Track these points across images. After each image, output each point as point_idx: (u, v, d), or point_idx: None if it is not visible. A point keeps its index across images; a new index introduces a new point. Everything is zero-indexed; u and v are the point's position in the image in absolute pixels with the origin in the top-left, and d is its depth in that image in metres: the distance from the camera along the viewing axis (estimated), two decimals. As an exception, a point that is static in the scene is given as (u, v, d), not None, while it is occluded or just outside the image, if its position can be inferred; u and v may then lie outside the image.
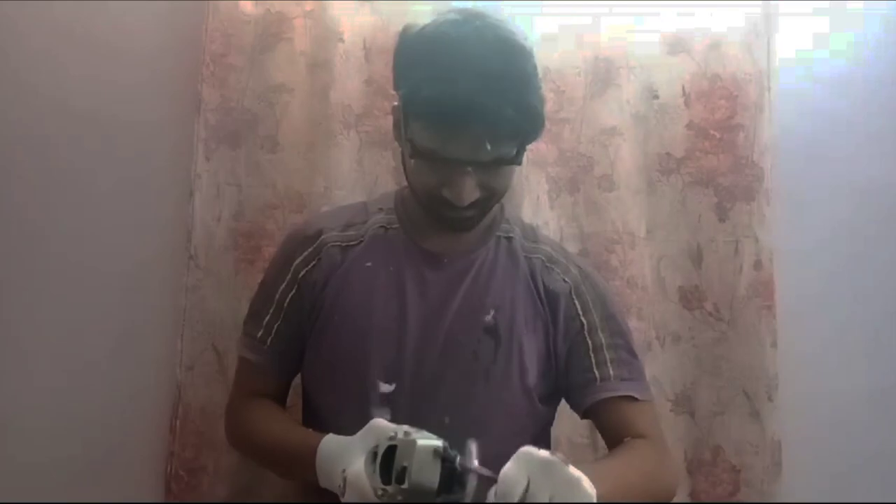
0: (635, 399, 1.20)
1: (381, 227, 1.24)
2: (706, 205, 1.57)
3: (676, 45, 1.58)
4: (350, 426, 1.05)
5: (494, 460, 0.94)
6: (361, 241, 1.23)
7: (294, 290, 1.22)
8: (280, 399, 1.28)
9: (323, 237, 1.23)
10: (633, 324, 1.49)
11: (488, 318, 1.19)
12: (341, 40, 1.53)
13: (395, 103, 1.16)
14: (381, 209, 1.27)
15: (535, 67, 1.11)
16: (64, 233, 1.54)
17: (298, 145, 1.54)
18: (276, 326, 1.24)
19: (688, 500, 1.55)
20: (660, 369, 1.55)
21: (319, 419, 1.20)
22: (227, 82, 1.52)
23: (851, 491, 1.57)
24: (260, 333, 1.24)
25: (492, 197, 1.14)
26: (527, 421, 1.21)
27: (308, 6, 1.54)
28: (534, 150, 1.52)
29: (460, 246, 1.22)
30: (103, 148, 1.55)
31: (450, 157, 1.08)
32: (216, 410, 1.46)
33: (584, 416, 1.24)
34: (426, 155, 1.09)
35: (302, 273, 1.22)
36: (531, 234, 1.29)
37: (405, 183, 1.24)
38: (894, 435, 1.62)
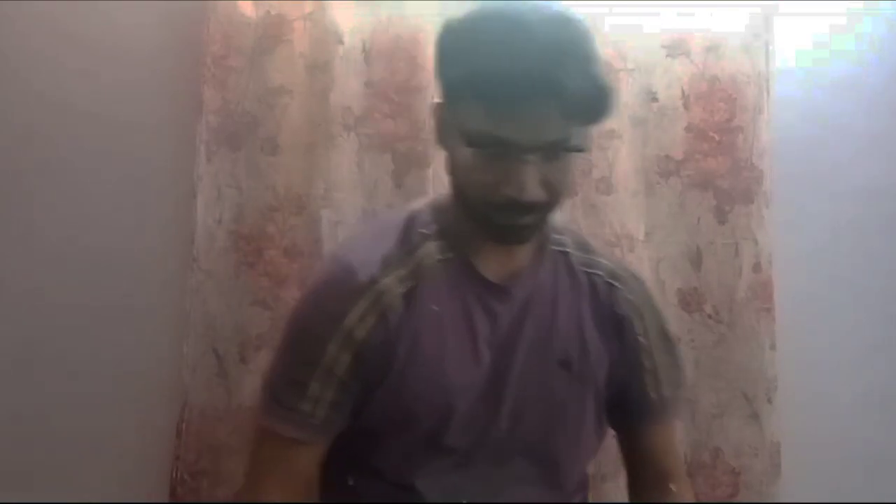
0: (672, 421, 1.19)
1: (437, 259, 1.06)
2: (705, 207, 1.58)
3: (675, 48, 1.58)
4: (419, 473, 1.04)
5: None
6: (418, 281, 1.05)
7: (351, 356, 1.02)
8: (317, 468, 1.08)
9: (377, 287, 1.02)
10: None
11: (561, 348, 1.08)
12: (341, 42, 1.53)
13: (436, 101, 1.05)
14: (424, 233, 1.08)
15: (595, 44, 1.00)
16: (65, 234, 1.54)
17: (298, 147, 1.54)
18: (328, 398, 1.02)
19: (689, 502, 1.55)
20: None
21: (374, 453, 1.07)
22: (228, 84, 1.52)
23: (851, 492, 1.58)
24: (306, 407, 1.02)
25: (553, 199, 1.00)
26: (593, 454, 1.17)
27: (308, 8, 1.54)
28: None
29: (516, 266, 1.08)
30: (104, 150, 1.55)
31: (511, 138, 0.95)
32: (216, 413, 1.46)
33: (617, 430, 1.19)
34: (484, 140, 0.96)
35: (360, 335, 1.02)
36: (583, 244, 1.15)
37: (443, 192, 1.10)
38: (893, 436, 1.62)
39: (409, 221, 1.10)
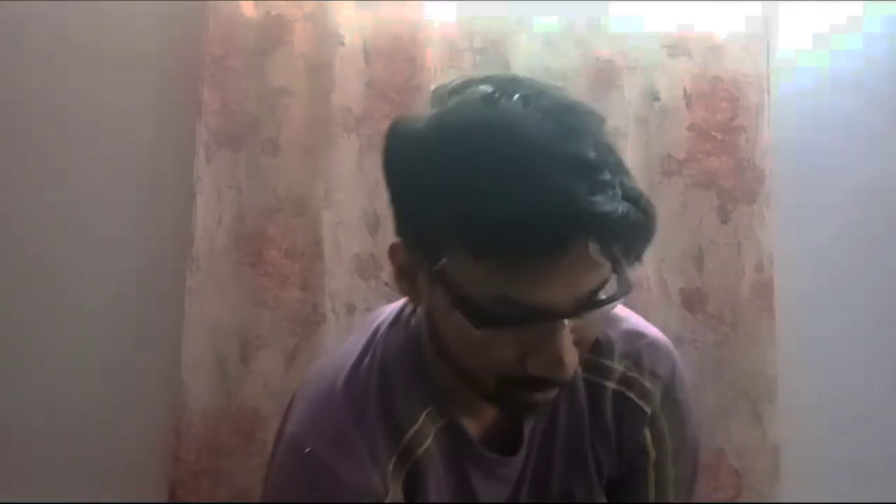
0: None
1: (431, 434, 0.88)
2: (708, 207, 1.57)
3: (677, 48, 1.58)
4: None
5: None
6: (413, 465, 0.86)
7: None
8: None
9: (372, 486, 0.83)
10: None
11: (560, 482, 0.94)
12: (341, 43, 1.53)
13: (396, 241, 0.81)
14: (407, 396, 0.87)
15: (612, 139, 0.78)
16: (65, 235, 1.54)
17: (299, 148, 1.53)
18: None
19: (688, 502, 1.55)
20: (661, 372, 1.54)
21: None
22: (228, 85, 1.51)
23: (852, 494, 1.57)
24: None
25: (583, 354, 0.79)
26: None
27: (308, 8, 1.54)
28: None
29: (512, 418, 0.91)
30: (104, 150, 1.55)
31: (541, 304, 0.70)
32: (216, 414, 1.46)
33: None
34: (500, 313, 0.71)
35: None
36: (594, 344, 0.89)
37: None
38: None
39: (382, 379, 0.87)
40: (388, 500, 0.83)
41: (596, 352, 0.91)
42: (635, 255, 0.73)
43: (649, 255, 1.55)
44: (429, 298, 0.79)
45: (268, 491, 0.89)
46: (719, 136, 1.57)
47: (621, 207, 0.69)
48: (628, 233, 0.71)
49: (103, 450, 1.53)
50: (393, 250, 0.81)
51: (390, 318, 0.93)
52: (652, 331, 0.97)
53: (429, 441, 0.87)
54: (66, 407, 1.52)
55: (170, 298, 1.52)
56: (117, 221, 1.55)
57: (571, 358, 0.73)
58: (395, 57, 1.54)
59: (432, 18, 1.52)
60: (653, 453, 0.95)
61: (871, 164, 1.64)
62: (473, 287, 0.71)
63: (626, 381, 0.93)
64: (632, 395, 0.93)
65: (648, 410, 0.94)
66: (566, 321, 0.71)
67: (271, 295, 1.51)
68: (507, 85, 0.74)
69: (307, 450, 0.83)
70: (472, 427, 0.90)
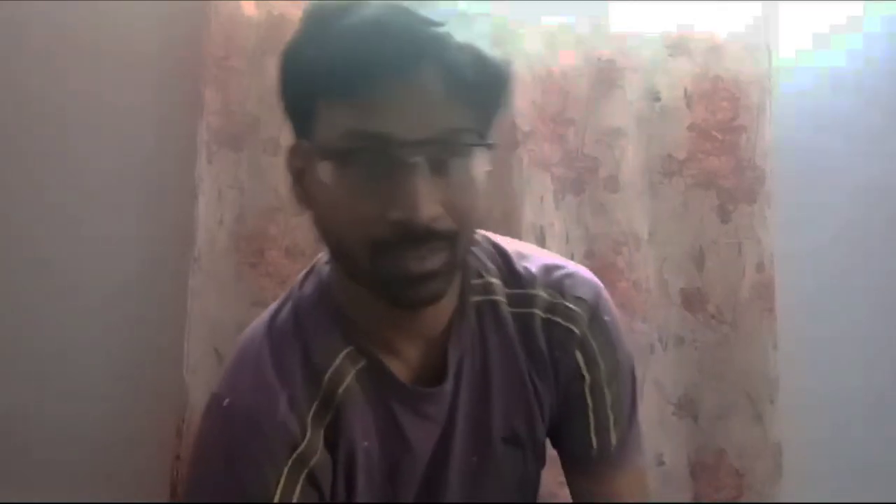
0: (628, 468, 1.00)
1: (351, 375, 0.88)
2: (708, 207, 1.57)
3: (678, 47, 1.58)
4: None
5: None
6: (337, 411, 0.86)
7: None
8: None
9: (300, 449, 0.84)
10: (636, 326, 1.49)
11: (501, 422, 0.94)
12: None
13: (291, 145, 0.84)
14: (324, 341, 0.87)
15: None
16: (65, 235, 1.54)
17: (299, 148, 1.53)
18: None
19: (690, 502, 1.55)
20: (662, 372, 1.54)
21: None
22: (229, 85, 1.51)
23: (853, 493, 1.57)
24: None
25: (460, 226, 0.79)
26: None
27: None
28: (537, 150, 1.52)
29: (436, 339, 0.90)
30: (105, 151, 1.55)
31: (384, 132, 0.73)
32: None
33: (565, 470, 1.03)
34: (347, 144, 0.74)
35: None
36: (515, 274, 0.94)
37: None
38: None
39: (297, 325, 0.89)
40: (304, 443, 0.84)
41: (518, 284, 0.93)
42: (481, 99, 0.77)
43: (650, 254, 1.56)
44: (312, 189, 0.81)
45: (191, 451, 0.91)
46: (720, 136, 1.57)
47: (460, 52, 0.73)
48: (472, 71, 0.74)
49: (105, 450, 1.53)
50: (286, 159, 0.85)
51: (304, 271, 0.95)
52: (570, 264, 0.99)
53: (349, 380, 0.87)
54: (68, 407, 1.52)
55: (171, 298, 1.51)
56: (118, 222, 1.55)
57: (429, 203, 0.74)
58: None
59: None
60: (587, 376, 0.95)
61: (871, 164, 1.64)
62: (332, 133, 0.75)
63: (551, 307, 0.94)
64: (559, 319, 0.93)
65: (577, 332, 0.94)
66: (416, 158, 0.73)
67: (272, 295, 1.49)
68: None
69: (225, 402, 0.86)
70: (396, 366, 0.89)
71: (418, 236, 0.75)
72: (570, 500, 1.03)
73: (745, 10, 1.56)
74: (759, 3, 1.57)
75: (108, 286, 1.54)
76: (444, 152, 0.75)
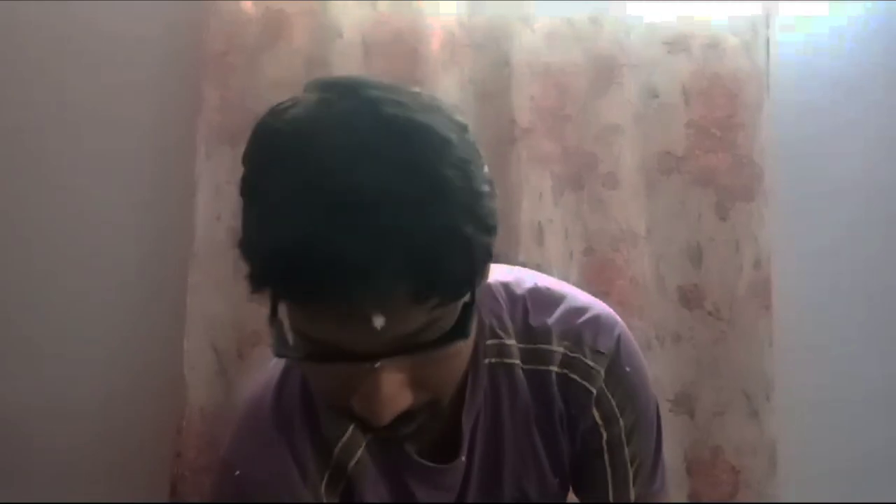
0: None
1: (366, 449, 0.86)
2: (706, 204, 1.57)
3: (676, 44, 1.58)
4: None
5: None
6: (348, 479, 0.85)
7: None
8: None
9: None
10: (634, 323, 1.49)
11: (512, 484, 0.91)
12: (340, 36, 1.53)
13: None
14: (340, 418, 0.83)
15: (464, 162, 0.65)
16: (64, 232, 1.54)
17: (298, 144, 1.53)
18: None
19: (687, 502, 1.55)
20: (659, 369, 1.54)
21: None
22: (228, 81, 1.51)
23: (849, 490, 1.58)
24: None
25: (435, 396, 0.73)
26: None
27: (307, 3, 1.54)
28: (536, 147, 1.52)
29: (449, 410, 0.83)
30: (103, 147, 1.55)
31: (333, 342, 0.65)
32: (216, 410, 1.46)
33: None
34: (309, 354, 0.68)
35: None
36: (526, 325, 0.88)
37: None
38: (893, 436, 1.62)
39: (306, 393, 0.85)
40: None
41: (533, 340, 0.88)
42: (446, 293, 0.64)
43: (647, 251, 1.57)
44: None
45: None
46: (718, 133, 1.57)
47: (390, 261, 0.60)
48: (404, 286, 0.61)
49: (104, 446, 1.53)
50: None
51: None
52: (592, 305, 0.92)
53: (360, 453, 0.85)
54: (68, 404, 1.52)
55: (170, 295, 1.52)
56: (117, 218, 1.55)
57: (392, 402, 0.67)
58: (394, 51, 1.53)
59: (433, 13, 1.52)
60: (604, 433, 0.91)
61: (868, 161, 1.64)
62: (288, 319, 0.67)
63: (567, 362, 0.89)
64: (575, 377, 0.89)
65: (593, 390, 0.89)
66: (378, 368, 0.65)
67: (271, 292, 1.50)
68: (347, 91, 0.66)
69: (237, 473, 0.83)
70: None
71: (388, 425, 0.70)
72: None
73: (743, 8, 1.56)
74: (759, 1, 1.56)
75: (106, 282, 1.54)
76: (411, 344, 0.66)
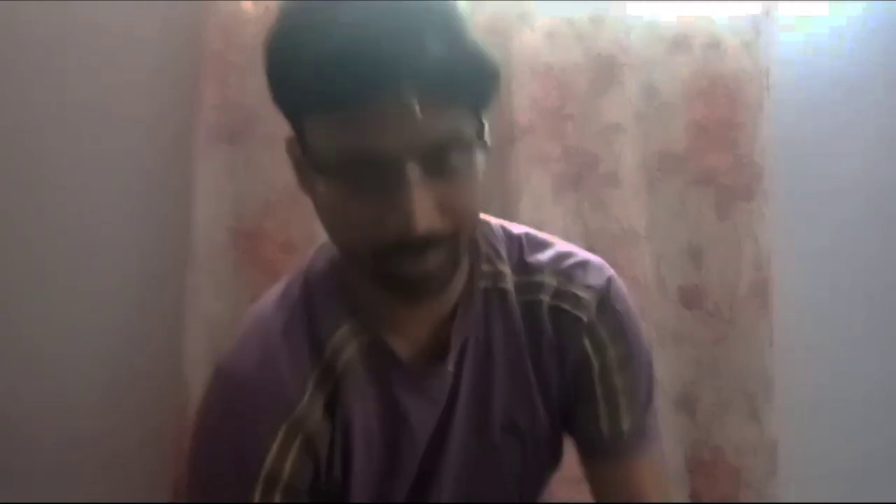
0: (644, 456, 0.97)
1: (353, 348, 0.88)
2: (706, 204, 1.57)
3: (676, 44, 1.58)
4: None
5: None
6: (336, 382, 0.86)
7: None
8: None
9: (295, 413, 0.84)
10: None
11: (502, 411, 0.92)
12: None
13: (288, 136, 0.81)
14: (330, 315, 0.88)
15: (462, 11, 0.77)
16: (63, 231, 1.54)
17: (298, 143, 1.53)
18: None
19: (687, 502, 1.55)
20: (660, 369, 1.53)
21: None
22: (227, 80, 1.51)
23: (850, 490, 1.58)
24: None
25: (458, 226, 0.77)
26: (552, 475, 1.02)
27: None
28: (536, 146, 1.52)
29: (440, 322, 0.89)
30: (102, 146, 1.55)
31: (373, 146, 0.71)
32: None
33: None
34: (339, 161, 0.73)
35: (285, 477, 0.83)
36: (522, 264, 0.93)
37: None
38: (892, 435, 1.62)
39: (306, 295, 0.89)
40: (301, 405, 0.84)
41: (526, 272, 0.92)
42: (472, 98, 0.74)
43: (647, 251, 1.56)
44: (313, 185, 0.79)
45: (194, 417, 0.92)
46: (718, 133, 1.57)
47: (444, 49, 0.70)
48: (459, 69, 0.71)
49: (104, 446, 1.53)
50: (288, 144, 0.82)
51: (319, 244, 0.96)
52: (582, 252, 0.96)
53: (350, 353, 0.87)
54: (68, 405, 1.52)
55: (169, 294, 1.52)
56: (116, 218, 1.55)
57: (425, 211, 0.72)
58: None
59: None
60: (595, 363, 0.92)
61: (868, 161, 1.64)
62: (324, 146, 0.74)
63: (559, 294, 0.92)
64: (567, 307, 0.91)
65: (584, 318, 0.91)
66: (410, 168, 0.71)
67: (269, 290, 1.50)
68: None
69: (227, 367, 0.88)
70: (399, 344, 0.89)
71: (416, 245, 0.75)
72: (569, 498, 1.02)
73: (743, 8, 1.56)
74: (759, 1, 1.56)
75: (105, 282, 1.54)
76: (438, 158, 0.73)
